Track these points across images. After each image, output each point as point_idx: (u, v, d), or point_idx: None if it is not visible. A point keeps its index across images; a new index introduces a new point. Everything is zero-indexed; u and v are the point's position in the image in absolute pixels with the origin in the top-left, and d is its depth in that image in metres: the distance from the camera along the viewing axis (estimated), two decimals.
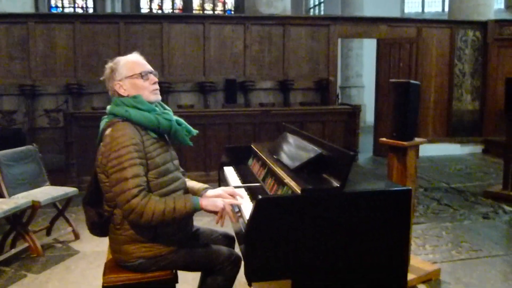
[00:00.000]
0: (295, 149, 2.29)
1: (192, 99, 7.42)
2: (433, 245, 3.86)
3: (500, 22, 8.52)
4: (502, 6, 14.53)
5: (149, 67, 2.13)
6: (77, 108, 6.85)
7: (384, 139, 3.15)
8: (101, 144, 2.02)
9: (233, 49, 7.48)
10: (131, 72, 2.07)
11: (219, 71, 7.46)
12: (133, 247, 2.03)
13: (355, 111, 6.59)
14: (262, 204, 1.70)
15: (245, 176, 2.63)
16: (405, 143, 2.98)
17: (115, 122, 2.01)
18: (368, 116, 12.04)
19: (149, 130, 2.04)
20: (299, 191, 1.79)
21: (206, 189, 2.24)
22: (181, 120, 2.22)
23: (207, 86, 7.33)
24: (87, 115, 6.07)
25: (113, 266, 2.12)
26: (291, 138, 2.51)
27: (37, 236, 3.86)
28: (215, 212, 2.00)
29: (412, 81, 2.98)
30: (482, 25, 8.39)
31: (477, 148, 8.48)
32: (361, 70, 13.64)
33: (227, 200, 2.02)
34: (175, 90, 7.28)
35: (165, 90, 7.01)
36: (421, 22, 8.35)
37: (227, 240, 2.37)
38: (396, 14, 13.28)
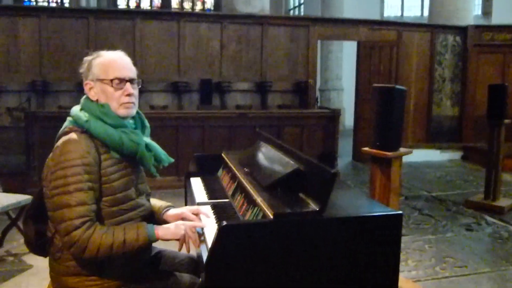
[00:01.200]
0: (268, 162, 2.01)
1: (166, 99, 7.08)
2: (416, 260, 3.64)
3: (480, 28, 8.47)
4: (479, 12, 14.61)
5: (128, 74, 1.75)
6: (43, 107, 6.43)
7: (367, 148, 2.92)
8: (50, 155, 1.70)
9: (209, 49, 7.17)
10: (103, 75, 1.73)
11: (195, 71, 7.14)
12: (74, 280, 1.70)
13: (334, 115, 6.37)
14: (225, 231, 1.42)
15: (213, 190, 2.34)
16: (389, 153, 2.76)
17: (71, 131, 1.69)
18: (348, 119, 11.88)
19: (111, 149, 1.71)
20: (271, 216, 1.51)
21: (168, 208, 1.95)
22: (154, 145, 1.86)
23: (182, 86, 7.00)
24: (52, 114, 5.65)
25: None
26: (264, 148, 2.24)
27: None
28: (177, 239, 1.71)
29: (397, 86, 2.76)
30: (462, 30, 8.30)
31: (456, 155, 8.38)
32: (340, 73, 13.50)
33: (188, 223, 1.73)
34: (148, 89, 6.92)
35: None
36: (402, 26, 8.21)
37: (193, 265, 2.06)
38: (375, 17, 13.17)
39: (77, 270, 1.68)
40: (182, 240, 1.71)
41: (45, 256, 1.85)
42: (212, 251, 1.44)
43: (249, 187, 1.91)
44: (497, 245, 4.06)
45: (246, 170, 2.13)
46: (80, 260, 1.66)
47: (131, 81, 1.77)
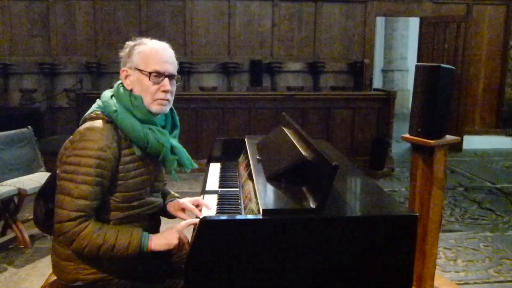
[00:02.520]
0: (278, 150, 1.82)
1: (215, 80, 7.00)
2: (467, 260, 3.28)
3: None
4: None
5: (168, 68, 1.65)
6: (97, 88, 6.60)
7: (407, 135, 2.61)
8: (70, 137, 1.64)
9: (260, 28, 6.95)
10: (143, 65, 1.62)
11: (245, 51, 6.97)
12: (71, 266, 1.64)
13: (389, 98, 5.93)
14: (204, 228, 1.26)
15: (226, 178, 2.19)
16: (431, 141, 2.42)
17: (97, 118, 1.61)
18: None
19: (135, 145, 1.62)
20: (260, 212, 1.33)
21: (172, 198, 1.86)
22: (180, 148, 1.75)
23: (232, 67, 6.87)
24: None
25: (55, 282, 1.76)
26: (280, 134, 2.04)
27: (28, 226, 3.61)
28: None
29: (443, 65, 2.41)
30: None
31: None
32: (405, 52, 12.67)
33: (182, 225, 1.61)
34: (198, 71, 6.87)
35: (187, 70, 6.63)
36: None
37: None
38: None
39: (73, 255, 1.62)
40: (177, 246, 1.60)
41: (52, 235, 1.82)
42: (191, 249, 1.29)
43: (255, 176, 1.73)
44: None
45: (258, 157, 1.95)
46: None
47: (170, 76, 1.66)
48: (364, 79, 6.86)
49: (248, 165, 2.10)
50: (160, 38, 1.76)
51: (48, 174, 3.69)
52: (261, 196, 1.42)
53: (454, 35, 7.03)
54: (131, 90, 1.65)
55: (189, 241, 1.63)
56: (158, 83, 1.62)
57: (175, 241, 1.59)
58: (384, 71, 12.59)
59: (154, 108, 1.63)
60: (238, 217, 1.33)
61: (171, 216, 1.88)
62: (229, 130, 5.78)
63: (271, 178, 1.61)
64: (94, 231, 1.52)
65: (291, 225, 1.28)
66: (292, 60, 7.06)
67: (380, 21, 11.97)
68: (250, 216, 1.32)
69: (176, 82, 1.70)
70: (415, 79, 2.52)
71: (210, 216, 1.28)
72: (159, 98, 1.63)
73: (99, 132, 1.55)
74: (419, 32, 7.27)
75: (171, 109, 1.76)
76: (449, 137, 2.53)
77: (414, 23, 11.55)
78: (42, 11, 6.60)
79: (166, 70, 1.63)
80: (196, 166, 1.82)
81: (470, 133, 7.45)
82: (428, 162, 2.52)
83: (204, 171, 2.39)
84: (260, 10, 6.92)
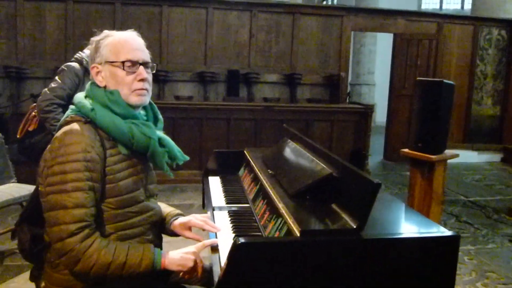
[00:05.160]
0: (296, 165, 1.74)
1: (191, 90, 6.85)
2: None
3: None
4: None
5: (141, 56, 1.53)
6: None
7: (406, 150, 2.60)
8: (48, 146, 1.48)
9: (237, 38, 6.89)
10: (114, 57, 1.50)
11: (221, 61, 6.87)
12: None
13: (367, 111, 6.01)
14: (240, 250, 1.15)
15: (232, 192, 2.08)
16: (433, 156, 2.43)
17: (73, 121, 1.47)
18: (379, 115, 11.45)
19: (119, 143, 1.49)
20: (297, 232, 1.24)
21: (176, 217, 1.71)
22: (168, 140, 1.63)
23: (208, 76, 6.75)
24: None
25: None
26: (292, 148, 1.96)
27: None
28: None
29: (446, 81, 2.42)
30: (508, 23, 7.74)
31: (496, 157, 7.87)
32: (373, 67, 13.01)
33: (199, 245, 1.50)
34: (173, 79, 6.71)
35: (162, 79, 6.47)
36: (443, 18, 7.69)
37: (205, 275, 1.81)
38: (413, 9, 12.59)
39: (77, 281, 1.45)
40: (188, 272, 1.48)
41: (41, 265, 1.63)
42: (224, 273, 1.18)
43: (272, 192, 1.64)
44: None
45: (271, 172, 1.86)
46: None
47: (144, 64, 1.53)
48: (340, 92, 6.92)
49: (255, 179, 2.01)
50: None
51: (21, 185, 3.48)
52: (293, 216, 1.33)
53: (426, 52, 7.24)
54: (105, 87, 1.52)
55: (203, 265, 1.51)
56: (133, 72, 1.50)
57: (190, 263, 1.47)
58: (352, 85, 12.83)
59: (133, 100, 1.51)
60: (275, 239, 1.23)
61: (173, 234, 1.74)
62: (207, 141, 5.65)
63: (294, 196, 1.52)
64: (101, 246, 1.38)
65: (331, 246, 1.20)
66: (269, 71, 7.04)
67: None
68: (288, 238, 1.22)
69: (152, 71, 1.58)
70: (416, 94, 2.52)
71: (245, 239, 1.18)
72: (137, 88, 1.51)
73: (79, 134, 1.41)
74: (393, 47, 7.43)
75: (150, 103, 1.64)
76: (448, 152, 2.54)
77: (382, 38, 11.88)
78: (9, 12, 6.27)
79: (140, 58, 1.52)
80: (187, 158, 1.69)
81: None
82: (428, 178, 2.52)
83: (190, 183, 2.26)
84: (238, 20, 6.87)
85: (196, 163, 5.62)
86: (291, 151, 1.92)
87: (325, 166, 1.54)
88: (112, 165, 1.46)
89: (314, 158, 1.69)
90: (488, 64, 7.81)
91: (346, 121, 6.04)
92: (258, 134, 5.80)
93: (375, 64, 12.92)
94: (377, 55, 12.81)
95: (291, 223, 1.31)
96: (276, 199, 1.56)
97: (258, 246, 1.19)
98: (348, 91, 7.28)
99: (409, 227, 1.45)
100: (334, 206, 1.41)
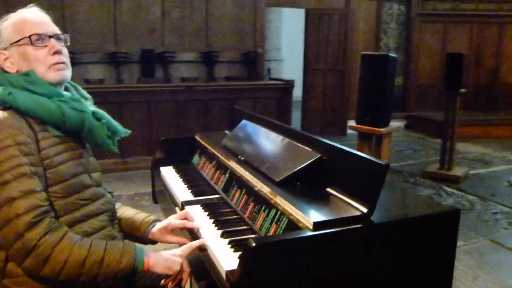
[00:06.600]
0: (276, 149, 1.64)
1: (102, 72, 6.34)
2: None
3: None
4: None
5: (49, 28, 1.37)
6: None
7: (353, 124, 2.64)
8: None
9: (149, 15, 6.48)
10: (19, 35, 1.31)
11: (133, 40, 6.43)
12: None
13: (288, 87, 6.07)
14: (254, 252, 1.04)
15: (194, 183, 1.93)
16: (382, 129, 2.49)
17: None
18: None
19: (49, 125, 1.30)
20: (309, 225, 1.15)
21: (153, 222, 1.53)
22: (103, 113, 1.48)
23: (120, 57, 6.29)
24: None
25: None
26: (259, 130, 1.86)
27: None
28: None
29: (390, 54, 2.47)
30: None
31: (400, 124, 8.49)
32: (279, 43, 13.18)
33: (185, 247, 1.35)
34: (81, 61, 6.14)
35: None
36: None
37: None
38: None
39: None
40: (174, 277, 1.33)
41: None
42: (238, 278, 1.06)
43: (253, 181, 1.53)
44: (462, 216, 4.03)
45: (242, 158, 1.75)
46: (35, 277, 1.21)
47: (55, 36, 1.35)
48: (258, 69, 6.90)
49: (220, 167, 1.88)
50: None
51: None
52: (295, 206, 1.24)
53: (337, 27, 7.47)
54: (17, 72, 1.34)
55: (190, 271, 1.37)
56: (45, 46, 1.34)
57: (177, 266, 1.32)
58: None
59: (52, 76, 1.35)
60: (289, 235, 1.13)
61: (151, 242, 1.55)
62: (128, 127, 5.28)
63: (283, 183, 1.43)
64: (74, 241, 1.19)
65: (346, 234, 1.14)
66: (185, 50, 6.76)
67: None
68: (301, 233, 1.13)
69: (65, 44, 1.42)
70: (362, 68, 2.54)
71: (258, 239, 1.07)
72: (52, 63, 1.34)
73: (1, 121, 1.22)
74: (305, 22, 7.55)
75: (73, 85, 1.49)
76: (394, 124, 2.63)
77: (287, 14, 12.06)
78: None
79: (48, 30, 1.36)
80: (129, 131, 1.58)
81: (350, 118, 8.07)
82: (376, 150, 2.58)
83: (124, 169, 2.07)
84: None
85: (118, 151, 5.24)
86: (261, 134, 1.82)
87: (311, 150, 1.47)
88: (47, 148, 1.28)
89: (292, 141, 1.61)
90: (391, 37, 8.32)
91: (269, 97, 6.05)
92: (182, 115, 5.57)
93: (281, 40, 13.11)
94: (282, 31, 12.99)
95: (295, 214, 1.23)
96: (261, 188, 1.46)
97: (273, 246, 1.08)
98: (268, 67, 7.27)
99: (408, 206, 1.44)
100: (330, 190, 1.35)
